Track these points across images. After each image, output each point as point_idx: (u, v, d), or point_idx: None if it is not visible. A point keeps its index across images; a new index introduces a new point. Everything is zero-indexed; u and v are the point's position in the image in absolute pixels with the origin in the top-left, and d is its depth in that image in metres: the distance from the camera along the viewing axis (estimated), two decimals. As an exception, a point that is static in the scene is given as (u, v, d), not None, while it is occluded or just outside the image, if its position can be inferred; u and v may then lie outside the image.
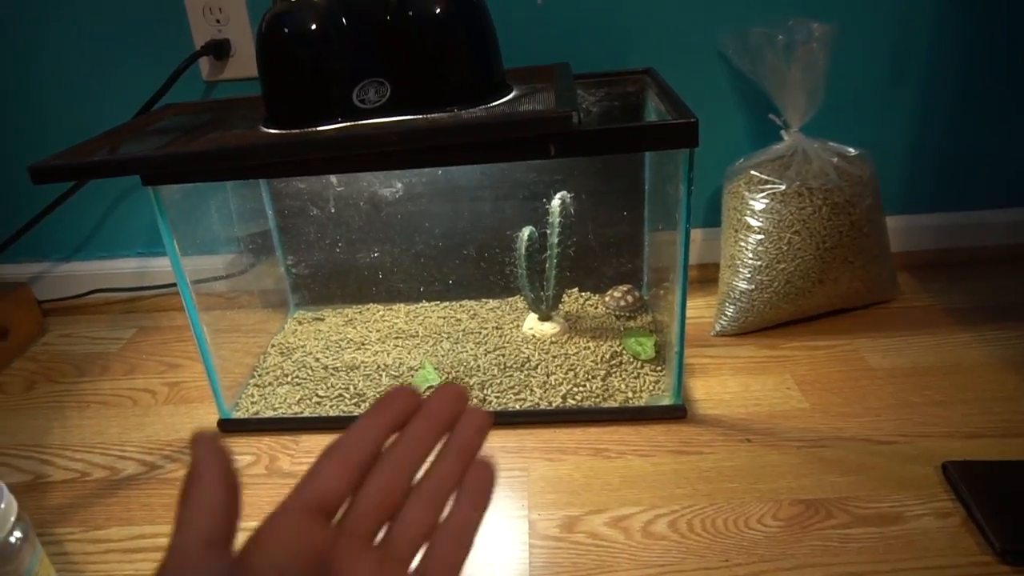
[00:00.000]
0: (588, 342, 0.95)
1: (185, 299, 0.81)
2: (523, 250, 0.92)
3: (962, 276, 1.10)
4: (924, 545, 0.66)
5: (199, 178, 0.76)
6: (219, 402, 0.87)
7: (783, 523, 0.69)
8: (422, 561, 0.30)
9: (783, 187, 0.94)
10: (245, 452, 0.84)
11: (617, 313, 1.02)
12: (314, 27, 0.74)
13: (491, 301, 1.08)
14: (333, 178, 0.99)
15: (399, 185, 0.99)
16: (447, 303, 1.09)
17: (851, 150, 0.96)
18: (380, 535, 0.29)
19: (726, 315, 0.99)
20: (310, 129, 0.74)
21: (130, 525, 0.75)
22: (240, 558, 0.25)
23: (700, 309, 1.06)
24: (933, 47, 1.02)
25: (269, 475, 0.81)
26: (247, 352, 1.01)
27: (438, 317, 1.06)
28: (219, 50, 0.99)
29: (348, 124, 0.73)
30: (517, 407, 0.85)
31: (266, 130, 0.77)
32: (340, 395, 0.90)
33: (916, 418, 0.81)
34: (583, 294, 1.08)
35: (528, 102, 0.75)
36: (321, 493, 0.28)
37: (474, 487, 0.32)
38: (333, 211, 1.02)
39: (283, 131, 0.76)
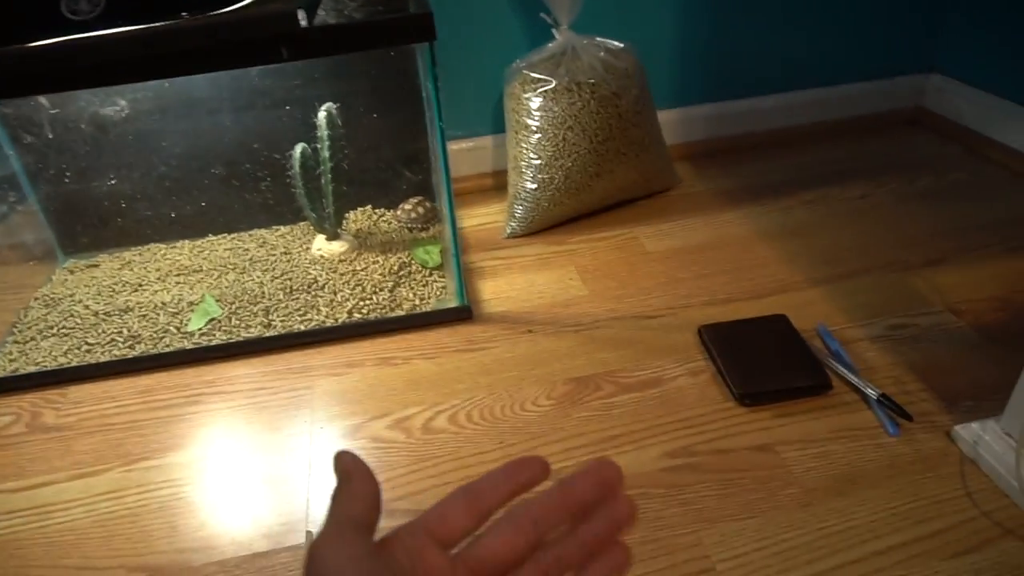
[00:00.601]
0: (377, 256, 0.94)
1: None
2: (298, 168, 0.88)
3: (734, 161, 1.18)
4: (678, 401, 0.72)
5: None
6: (-35, 364, 0.79)
7: (555, 401, 0.73)
8: None
9: (553, 84, 0.95)
10: (2, 413, 0.77)
11: (410, 226, 1.01)
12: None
13: (282, 227, 1.04)
14: (80, 109, 0.89)
15: (145, 104, 0.91)
16: (235, 234, 1.03)
17: (616, 44, 0.99)
18: None
19: (515, 216, 1.01)
20: (12, 47, 0.66)
21: None
22: (378, 545, 0.28)
23: (495, 215, 1.07)
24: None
25: (31, 432, 0.75)
26: (6, 309, 0.92)
27: (224, 249, 1.00)
28: (-90, -34, 0.85)
29: (58, 40, 0.66)
30: (303, 328, 0.83)
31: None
32: (112, 340, 0.84)
33: (682, 292, 0.88)
34: (376, 210, 1.06)
35: (263, 5, 0.70)
36: (446, 524, 0.30)
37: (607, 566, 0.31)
38: (88, 146, 0.92)
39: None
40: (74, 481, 0.69)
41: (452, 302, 0.86)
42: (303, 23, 0.65)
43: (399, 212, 1.03)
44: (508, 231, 1.01)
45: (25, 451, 0.73)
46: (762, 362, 0.73)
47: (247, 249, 1.00)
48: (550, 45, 0.98)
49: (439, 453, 0.68)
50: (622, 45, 0.99)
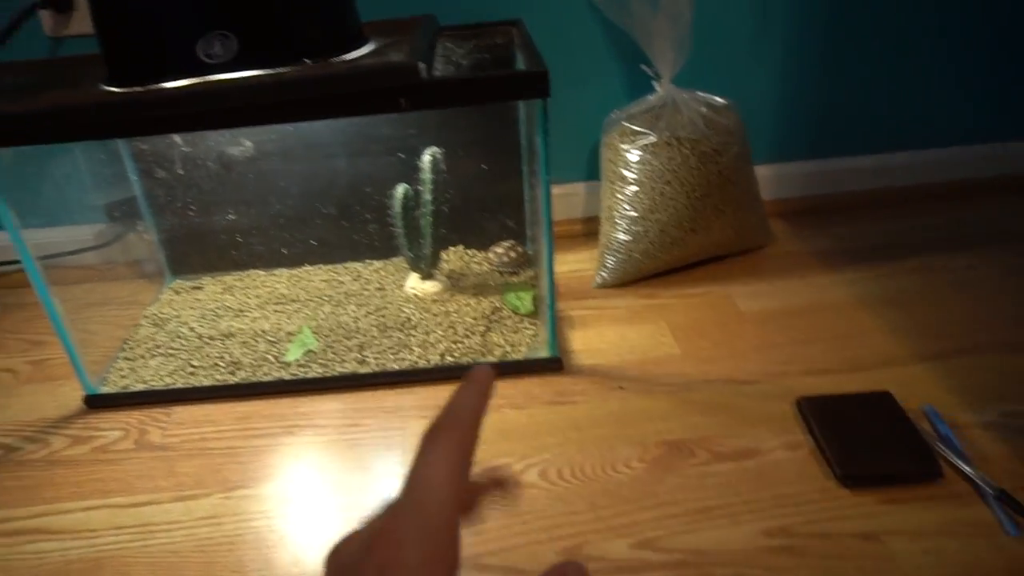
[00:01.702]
0: (469, 299, 0.95)
1: (30, 273, 0.76)
2: (399, 208, 0.91)
3: (831, 221, 1.15)
4: (775, 476, 0.70)
5: (24, 140, 0.71)
6: (82, 378, 0.83)
7: (647, 464, 0.72)
8: None
9: (654, 138, 0.95)
10: (113, 427, 0.81)
11: (500, 269, 1.02)
12: (151, -24, 0.69)
13: (376, 262, 1.07)
14: (209, 140, 0.94)
15: (248, 144, 0.95)
16: (330, 266, 1.07)
17: (719, 100, 0.98)
18: None
19: (606, 267, 1.00)
20: (152, 87, 0.70)
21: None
22: None
23: (584, 262, 1.07)
24: (796, 2, 1.04)
25: (138, 449, 0.78)
26: (118, 325, 0.96)
27: (321, 280, 1.03)
28: (60, 3, 0.92)
29: (192, 81, 0.70)
30: (396, 367, 0.85)
31: (106, 88, 0.73)
32: (215, 364, 0.87)
33: (778, 358, 0.86)
34: (468, 251, 1.07)
35: (382, 54, 0.73)
36: None
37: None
38: (208, 177, 0.97)
39: (123, 89, 0.71)
40: (176, 503, 0.71)
41: (543, 351, 0.86)
42: (423, 75, 0.67)
43: (491, 255, 1.04)
44: (598, 281, 1.01)
45: (132, 468, 0.76)
46: (866, 442, 0.70)
47: (342, 282, 1.03)
48: (650, 98, 0.99)
49: (529, 509, 0.68)
50: (724, 101, 0.98)
